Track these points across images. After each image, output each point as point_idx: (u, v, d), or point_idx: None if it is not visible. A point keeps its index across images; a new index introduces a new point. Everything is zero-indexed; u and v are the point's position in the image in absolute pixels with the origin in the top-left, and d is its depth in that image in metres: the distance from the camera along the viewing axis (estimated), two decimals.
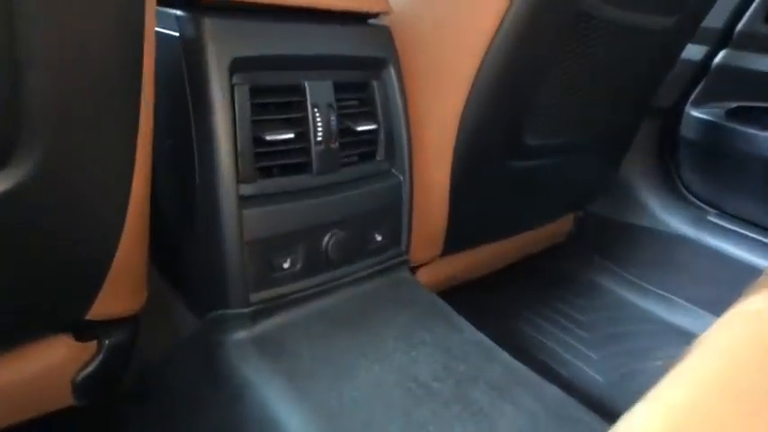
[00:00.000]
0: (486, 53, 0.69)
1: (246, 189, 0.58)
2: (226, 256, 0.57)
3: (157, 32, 0.58)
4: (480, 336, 0.69)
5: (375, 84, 0.69)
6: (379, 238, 0.72)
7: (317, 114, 0.63)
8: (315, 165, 0.63)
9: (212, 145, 0.55)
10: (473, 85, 0.71)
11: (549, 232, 1.23)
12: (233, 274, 0.58)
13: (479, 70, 0.71)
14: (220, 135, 0.55)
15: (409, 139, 0.73)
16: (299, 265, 0.63)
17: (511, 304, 1.22)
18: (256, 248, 0.59)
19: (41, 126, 0.42)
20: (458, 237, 0.89)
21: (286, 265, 0.62)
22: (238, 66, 0.56)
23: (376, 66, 0.69)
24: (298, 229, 0.62)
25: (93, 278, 0.53)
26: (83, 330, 0.59)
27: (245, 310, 0.59)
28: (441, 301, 0.73)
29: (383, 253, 0.73)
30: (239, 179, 0.58)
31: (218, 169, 0.56)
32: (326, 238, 0.65)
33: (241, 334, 0.59)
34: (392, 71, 0.70)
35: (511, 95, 0.76)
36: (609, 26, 0.78)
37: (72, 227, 0.48)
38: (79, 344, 0.59)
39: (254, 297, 0.60)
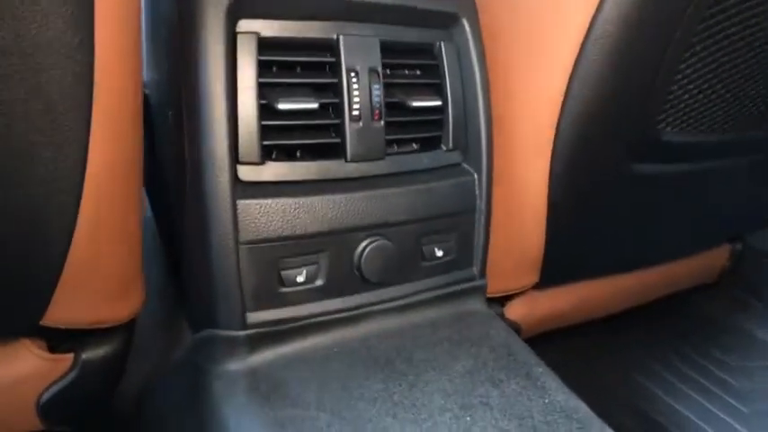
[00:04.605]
0: (602, 3, 0.50)
1: (247, 172, 0.44)
2: (214, 258, 0.43)
3: None
4: (574, 400, 0.48)
5: (442, 46, 0.52)
6: (439, 252, 0.54)
7: (354, 81, 0.47)
8: (349, 147, 0.48)
9: (202, 111, 0.42)
10: (582, 50, 0.52)
11: (695, 267, 0.96)
12: (223, 283, 0.44)
13: (591, 28, 0.51)
14: (212, 97, 0.42)
15: (489, 122, 0.54)
16: (319, 281, 0.48)
17: (634, 356, 0.96)
18: (258, 252, 0.45)
19: None
20: (561, 262, 0.68)
21: (300, 279, 0.47)
22: (244, 8, 0.43)
23: (444, 22, 0.52)
24: (320, 230, 0.46)
25: (42, 273, 0.41)
26: (57, 340, 0.48)
27: (240, 333, 0.45)
28: (521, 344, 0.53)
29: (446, 274, 0.55)
30: (238, 158, 0.44)
31: (207, 143, 0.42)
32: (361, 247, 0.49)
33: (231, 364, 0.45)
34: (467, 29, 0.52)
35: (637, 64, 0.54)
36: None
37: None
38: (52, 356, 0.48)
39: (253, 317, 0.45)
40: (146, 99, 0.52)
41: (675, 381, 0.93)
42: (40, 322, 0.43)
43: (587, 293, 0.81)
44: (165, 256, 0.57)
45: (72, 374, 0.48)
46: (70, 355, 0.49)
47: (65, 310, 0.44)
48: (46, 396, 0.48)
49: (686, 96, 0.60)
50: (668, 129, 0.62)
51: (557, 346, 0.84)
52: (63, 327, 0.45)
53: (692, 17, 0.52)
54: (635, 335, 0.99)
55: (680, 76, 0.58)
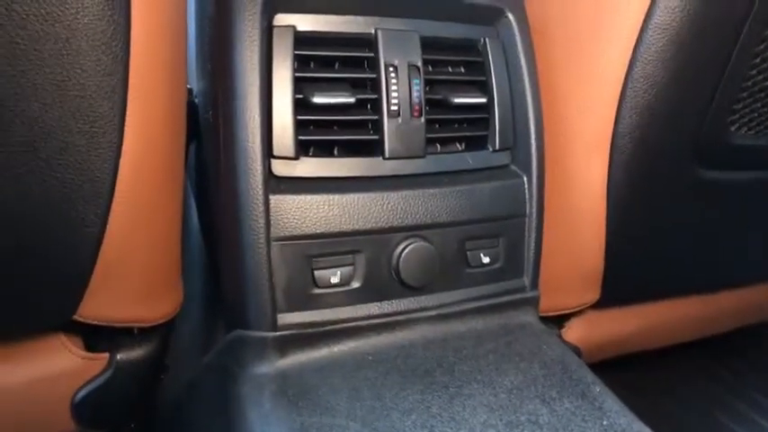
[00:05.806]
0: None
1: (281, 167, 0.43)
2: (245, 254, 0.42)
3: None
4: (638, 425, 0.42)
5: (487, 42, 0.50)
6: (486, 259, 0.50)
7: (393, 76, 0.45)
8: (387, 144, 0.46)
9: (235, 102, 0.41)
10: (639, 42, 0.48)
11: None
12: (254, 280, 0.42)
13: (649, 18, 0.47)
14: (245, 88, 0.41)
15: (539, 121, 0.51)
16: (355, 283, 0.45)
17: (712, 392, 0.87)
18: (291, 250, 0.43)
19: None
20: (624, 278, 0.62)
21: (335, 280, 0.44)
22: (281, 2, 0.42)
23: (489, 16, 0.50)
24: (355, 229, 0.44)
25: (74, 264, 0.41)
26: (93, 338, 0.48)
27: (269, 335, 0.43)
28: (578, 362, 0.48)
29: (493, 283, 0.51)
30: (272, 153, 0.42)
31: (240, 135, 0.41)
32: (399, 249, 0.46)
33: (261, 367, 0.43)
34: (513, 25, 0.50)
35: (704, 57, 0.50)
36: None
37: (35, 202, 0.37)
38: (87, 355, 0.48)
39: (284, 319, 0.43)
40: (195, 107, 0.53)
41: (763, 421, 0.83)
42: (75, 317, 0.43)
43: (654, 317, 0.74)
44: (208, 258, 0.56)
45: (106, 374, 0.48)
46: (105, 355, 0.48)
47: (99, 305, 0.43)
48: (80, 395, 0.48)
49: (762, 94, 0.55)
50: (741, 131, 0.56)
51: (621, 376, 0.76)
52: (98, 323, 0.44)
53: None
54: (709, 368, 0.90)
55: (754, 72, 0.53)
